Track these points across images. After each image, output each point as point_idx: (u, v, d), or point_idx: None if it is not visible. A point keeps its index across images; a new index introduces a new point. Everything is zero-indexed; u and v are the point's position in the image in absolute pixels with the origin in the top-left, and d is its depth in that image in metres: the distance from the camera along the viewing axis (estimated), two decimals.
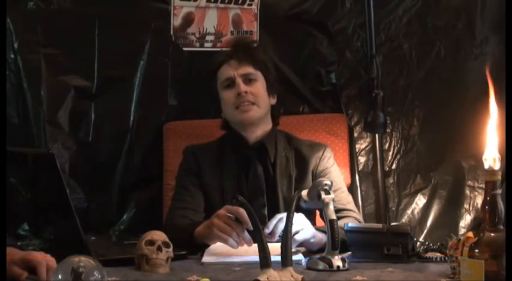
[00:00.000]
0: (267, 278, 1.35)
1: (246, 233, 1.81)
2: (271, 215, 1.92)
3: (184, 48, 2.81)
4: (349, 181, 2.64)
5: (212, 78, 2.29)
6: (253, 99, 2.19)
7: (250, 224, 1.70)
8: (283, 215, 1.81)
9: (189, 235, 1.92)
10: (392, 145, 2.83)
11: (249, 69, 2.23)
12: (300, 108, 2.81)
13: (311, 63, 2.81)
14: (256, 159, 2.20)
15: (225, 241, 1.83)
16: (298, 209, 1.92)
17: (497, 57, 2.75)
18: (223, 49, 2.35)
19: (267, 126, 2.25)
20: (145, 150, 2.79)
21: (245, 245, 1.83)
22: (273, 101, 2.29)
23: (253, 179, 2.17)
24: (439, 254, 1.78)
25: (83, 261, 1.36)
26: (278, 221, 1.83)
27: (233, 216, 1.82)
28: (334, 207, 1.82)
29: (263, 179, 2.18)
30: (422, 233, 2.77)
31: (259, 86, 2.23)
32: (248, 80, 2.22)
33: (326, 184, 1.78)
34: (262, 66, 2.26)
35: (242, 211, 1.78)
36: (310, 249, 1.92)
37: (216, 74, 2.27)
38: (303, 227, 1.87)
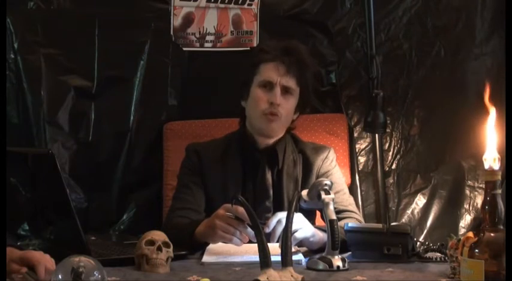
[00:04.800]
0: (267, 278, 1.35)
1: (249, 228, 1.81)
2: None
3: (184, 48, 2.81)
4: (349, 181, 2.65)
5: (251, 67, 2.18)
6: (281, 113, 2.13)
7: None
8: (283, 215, 1.81)
9: (189, 235, 1.91)
10: (392, 145, 2.84)
11: (291, 83, 2.13)
12: None
13: None
14: (266, 164, 2.17)
15: (229, 241, 1.83)
16: (298, 209, 1.92)
17: (497, 57, 2.76)
18: (272, 45, 2.18)
19: (280, 135, 2.21)
20: (145, 150, 2.79)
21: (248, 244, 1.83)
22: (295, 116, 2.23)
23: (260, 184, 2.15)
24: (439, 254, 1.78)
25: (83, 261, 1.36)
26: (277, 223, 1.82)
27: (232, 215, 1.82)
28: (336, 208, 1.82)
29: (270, 184, 2.16)
30: (422, 233, 2.77)
31: (292, 102, 2.16)
32: (286, 92, 2.13)
33: (326, 184, 1.78)
34: (303, 84, 2.17)
35: (242, 210, 1.78)
36: (310, 248, 1.92)
37: (259, 67, 2.16)
38: (302, 226, 1.87)
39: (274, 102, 2.11)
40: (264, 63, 2.15)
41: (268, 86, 2.13)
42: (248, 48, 2.79)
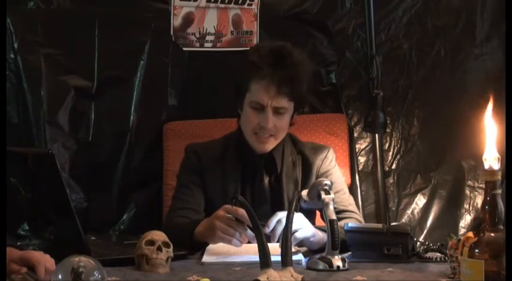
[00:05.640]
0: (267, 278, 1.35)
1: (249, 230, 1.80)
2: None
3: (184, 48, 2.81)
4: (349, 181, 2.65)
5: (244, 80, 2.10)
6: (274, 132, 2.10)
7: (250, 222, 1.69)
8: (283, 215, 1.81)
9: (189, 235, 1.91)
10: (392, 145, 2.84)
11: (283, 102, 2.06)
12: None
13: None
14: (264, 169, 2.16)
15: (229, 242, 1.83)
16: (299, 209, 1.92)
17: (497, 57, 2.76)
18: (262, 50, 2.07)
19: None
20: (145, 150, 2.79)
21: (248, 244, 1.83)
22: (294, 119, 2.18)
23: (258, 188, 2.15)
24: (439, 254, 1.78)
25: (83, 261, 1.36)
26: (277, 223, 1.82)
27: (232, 216, 1.82)
28: (336, 208, 1.82)
29: (268, 189, 2.15)
30: (422, 233, 2.78)
31: (286, 118, 2.11)
32: (278, 112, 2.07)
33: (326, 184, 1.78)
34: (297, 97, 2.09)
35: (242, 212, 1.77)
36: (310, 248, 1.92)
37: (250, 84, 2.07)
38: (302, 226, 1.87)
39: (265, 126, 2.07)
40: (255, 80, 2.06)
41: (259, 107, 2.08)
42: (248, 49, 2.79)
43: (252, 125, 2.10)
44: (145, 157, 2.79)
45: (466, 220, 2.78)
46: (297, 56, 2.08)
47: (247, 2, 2.81)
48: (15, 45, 2.71)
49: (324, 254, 1.70)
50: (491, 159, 1.43)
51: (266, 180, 2.16)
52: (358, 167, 2.81)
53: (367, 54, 2.78)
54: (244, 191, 2.15)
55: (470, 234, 1.44)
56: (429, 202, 2.81)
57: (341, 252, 1.72)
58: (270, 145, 2.13)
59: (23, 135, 2.71)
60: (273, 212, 1.89)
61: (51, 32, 2.74)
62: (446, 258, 1.66)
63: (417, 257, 1.79)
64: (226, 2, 2.80)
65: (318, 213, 2.14)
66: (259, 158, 2.16)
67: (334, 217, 1.73)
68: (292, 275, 1.37)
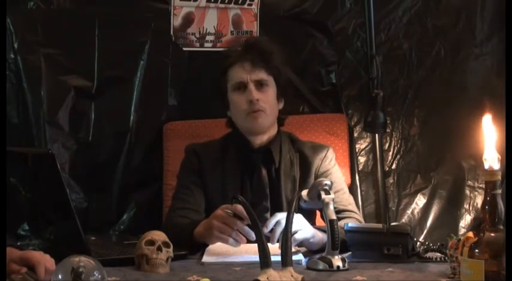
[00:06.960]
0: (267, 278, 1.35)
1: (246, 227, 1.80)
2: None
3: (184, 48, 2.81)
4: (349, 181, 2.64)
5: (222, 76, 2.22)
6: (263, 106, 2.14)
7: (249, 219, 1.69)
8: (282, 216, 1.80)
9: (188, 235, 1.92)
10: (392, 145, 2.84)
11: (262, 75, 2.16)
12: (300, 108, 2.82)
13: (311, 63, 2.82)
14: (261, 164, 2.17)
15: (226, 241, 1.83)
16: (298, 210, 1.92)
17: (497, 57, 2.76)
18: (234, 48, 2.25)
19: (273, 130, 2.21)
20: (145, 150, 2.79)
21: (247, 244, 1.83)
22: (281, 105, 2.24)
23: (257, 183, 2.16)
24: (439, 254, 1.78)
25: (83, 261, 1.36)
26: (276, 224, 1.82)
27: (231, 212, 1.82)
28: (335, 208, 1.82)
29: (267, 184, 2.16)
30: (422, 233, 2.77)
31: (270, 93, 2.18)
32: (260, 85, 2.15)
33: (326, 184, 1.78)
34: (275, 72, 2.18)
35: (240, 208, 1.78)
36: (310, 249, 1.92)
37: (227, 73, 2.20)
38: (301, 227, 1.87)
39: (252, 99, 2.12)
40: (230, 67, 2.18)
41: (241, 87, 2.15)
42: None
43: (241, 107, 2.15)
44: (145, 157, 2.79)
45: (466, 220, 2.78)
46: (265, 43, 2.23)
47: (247, 2, 2.81)
48: (15, 45, 2.71)
49: (324, 254, 1.70)
50: (491, 159, 1.43)
51: (264, 173, 2.17)
52: (358, 167, 2.81)
53: (367, 54, 2.78)
54: (243, 188, 2.16)
55: (470, 234, 1.44)
56: (429, 202, 2.81)
57: (341, 252, 1.72)
58: (263, 119, 2.15)
59: (23, 135, 2.71)
60: (271, 210, 1.89)
61: (51, 32, 2.74)
62: (446, 258, 1.66)
63: (417, 257, 1.79)
64: (226, 2, 2.80)
65: (318, 213, 2.14)
66: (256, 153, 2.17)
67: (334, 217, 1.73)
68: (292, 275, 1.37)
